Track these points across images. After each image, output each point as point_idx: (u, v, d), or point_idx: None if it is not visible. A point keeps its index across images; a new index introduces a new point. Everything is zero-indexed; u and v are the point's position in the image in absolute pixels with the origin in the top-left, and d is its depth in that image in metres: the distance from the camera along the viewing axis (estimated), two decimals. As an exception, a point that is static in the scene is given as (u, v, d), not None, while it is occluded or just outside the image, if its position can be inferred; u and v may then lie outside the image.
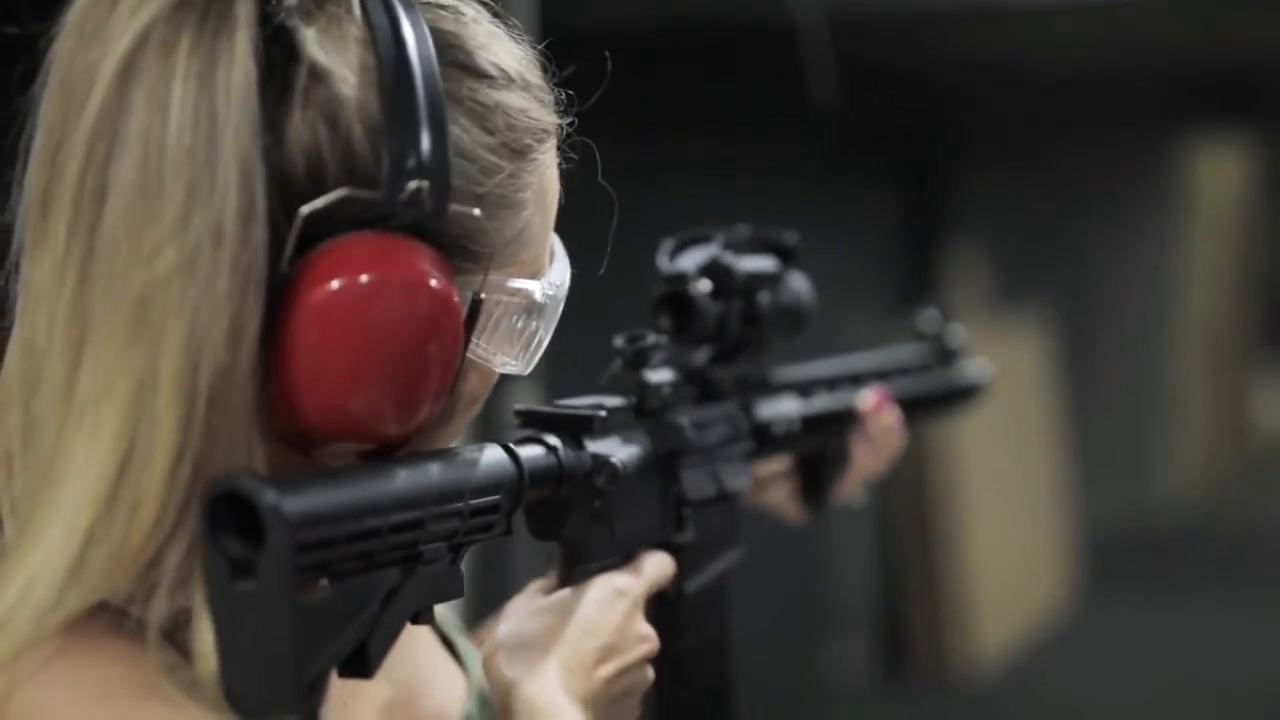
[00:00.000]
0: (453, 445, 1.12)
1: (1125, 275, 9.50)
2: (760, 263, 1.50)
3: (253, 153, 0.96)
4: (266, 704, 0.94)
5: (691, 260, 1.45)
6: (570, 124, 1.17)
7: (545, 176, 1.13)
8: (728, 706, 1.42)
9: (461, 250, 1.06)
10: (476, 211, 1.04)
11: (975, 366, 1.96)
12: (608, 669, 1.21)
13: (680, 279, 1.43)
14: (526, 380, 2.80)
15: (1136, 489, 9.53)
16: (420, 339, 1.00)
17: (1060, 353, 8.04)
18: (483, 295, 1.07)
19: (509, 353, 1.12)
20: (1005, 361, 7.27)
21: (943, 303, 1.97)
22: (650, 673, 1.25)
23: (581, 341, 1.61)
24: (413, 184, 1.00)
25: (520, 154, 1.09)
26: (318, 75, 1.00)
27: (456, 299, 1.03)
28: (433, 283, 1.01)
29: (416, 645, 1.27)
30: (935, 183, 7.31)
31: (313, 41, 1.00)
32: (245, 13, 0.98)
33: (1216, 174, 10.81)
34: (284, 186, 0.99)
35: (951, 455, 6.56)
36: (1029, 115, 7.89)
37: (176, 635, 1.00)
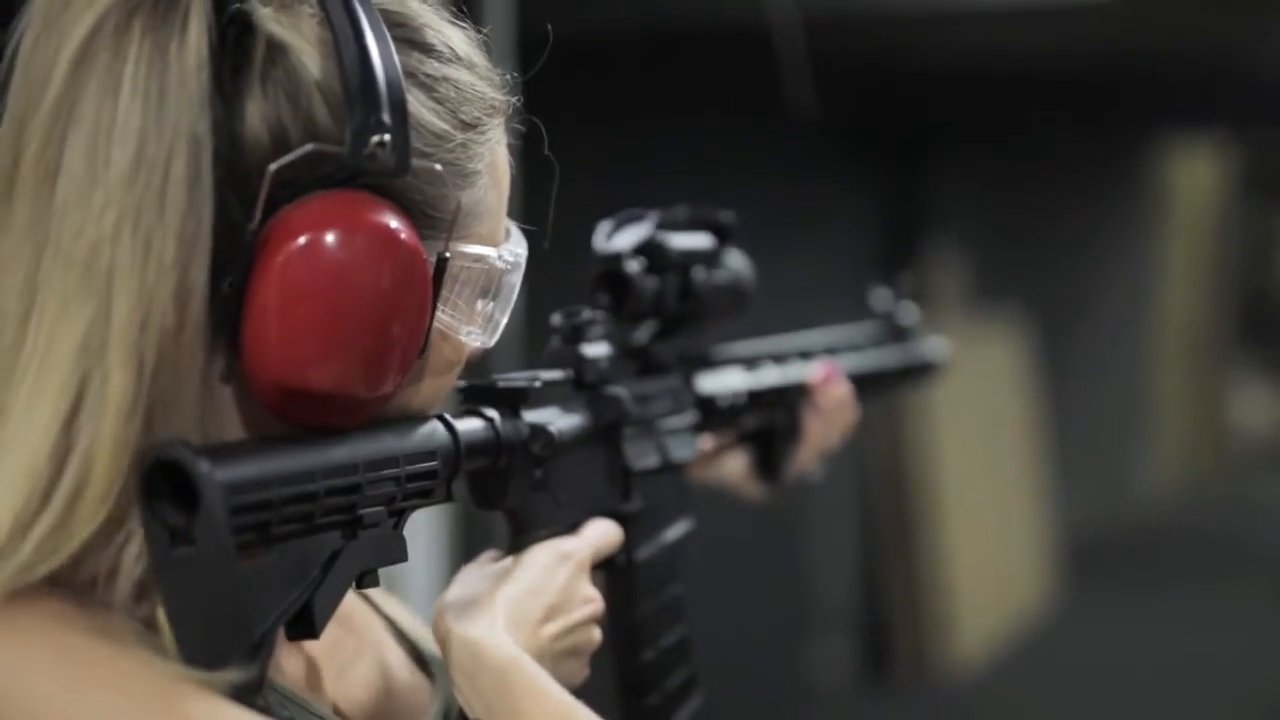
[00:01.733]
0: None
1: (1101, 275, 9.52)
2: (695, 240, 1.54)
3: (202, 127, 1.00)
4: (215, 665, 0.96)
5: (627, 239, 1.49)
6: (518, 101, 1.21)
7: (496, 151, 1.17)
8: (690, 668, 1.45)
9: (424, 213, 1.10)
10: (438, 167, 1.09)
11: (931, 344, 1.98)
12: (553, 627, 1.24)
13: (615, 258, 1.46)
14: (512, 362, 2.82)
15: (1115, 488, 9.55)
16: (390, 291, 1.04)
17: (1038, 353, 8.06)
18: (447, 254, 1.10)
19: (472, 323, 1.16)
20: (983, 362, 7.29)
21: (896, 282, 1.99)
22: (597, 633, 1.29)
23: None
24: (375, 138, 1.03)
25: (470, 125, 1.13)
26: (275, 49, 1.04)
27: (422, 249, 1.07)
28: (401, 235, 1.05)
29: (375, 632, 1.31)
30: (911, 184, 7.33)
31: (269, 19, 1.04)
32: None
33: (1192, 174, 10.85)
34: (248, 156, 1.03)
35: (931, 454, 6.58)
36: (1004, 116, 7.91)
37: (136, 611, 1.02)
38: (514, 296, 1.19)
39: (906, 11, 4.94)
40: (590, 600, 1.28)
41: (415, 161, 1.06)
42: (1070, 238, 9.01)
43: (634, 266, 1.46)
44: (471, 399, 1.25)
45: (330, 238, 1.02)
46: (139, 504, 0.97)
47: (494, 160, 1.17)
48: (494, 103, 1.17)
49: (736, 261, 1.58)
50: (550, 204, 1.28)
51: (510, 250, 1.19)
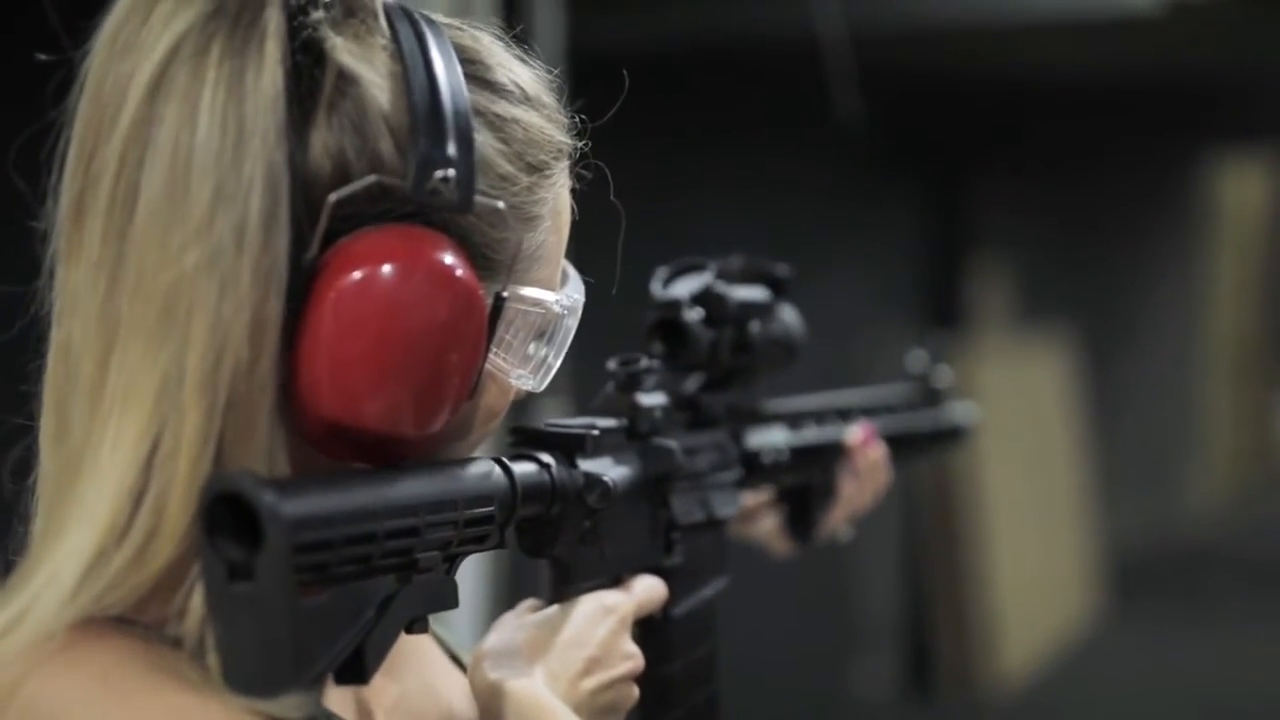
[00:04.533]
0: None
1: (1149, 292, 9.49)
2: (752, 292, 1.52)
3: (279, 158, 0.99)
4: (264, 705, 0.95)
5: (685, 288, 1.46)
6: (585, 145, 1.19)
7: (560, 196, 1.15)
8: None
9: (481, 257, 1.08)
10: (501, 204, 1.06)
11: (962, 408, 1.97)
12: (592, 681, 1.21)
13: (674, 305, 1.44)
14: (556, 400, 2.82)
15: (1161, 505, 9.51)
16: (445, 328, 1.02)
17: (1085, 370, 8.03)
18: (505, 295, 1.09)
19: (524, 366, 1.14)
20: (1029, 379, 7.27)
21: (932, 343, 1.99)
22: (635, 691, 1.26)
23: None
24: (439, 173, 1.02)
25: (536, 169, 1.11)
26: (346, 81, 1.02)
27: (480, 289, 1.05)
28: (458, 272, 1.03)
29: (429, 662, 1.28)
30: (959, 200, 7.32)
31: (341, 49, 1.03)
32: (275, 22, 1.01)
33: (1240, 191, 10.80)
34: (310, 188, 1.01)
35: (977, 471, 6.56)
36: (1053, 132, 7.89)
37: (204, 653, 1.00)
38: (568, 341, 1.17)
39: (954, 27, 4.93)
40: (631, 657, 1.25)
41: (479, 199, 1.05)
42: (1118, 255, 8.98)
43: (692, 316, 1.44)
44: (524, 443, 1.22)
45: (386, 271, 1.00)
46: (199, 535, 0.95)
47: (557, 205, 1.14)
48: (560, 146, 1.14)
49: (789, 315, 1.56)
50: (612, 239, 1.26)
51: (568, 295, 1.16)
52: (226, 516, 0.94)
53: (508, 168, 1.09)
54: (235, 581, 0.93)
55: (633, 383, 1.34)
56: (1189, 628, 7.57)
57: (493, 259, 1.08)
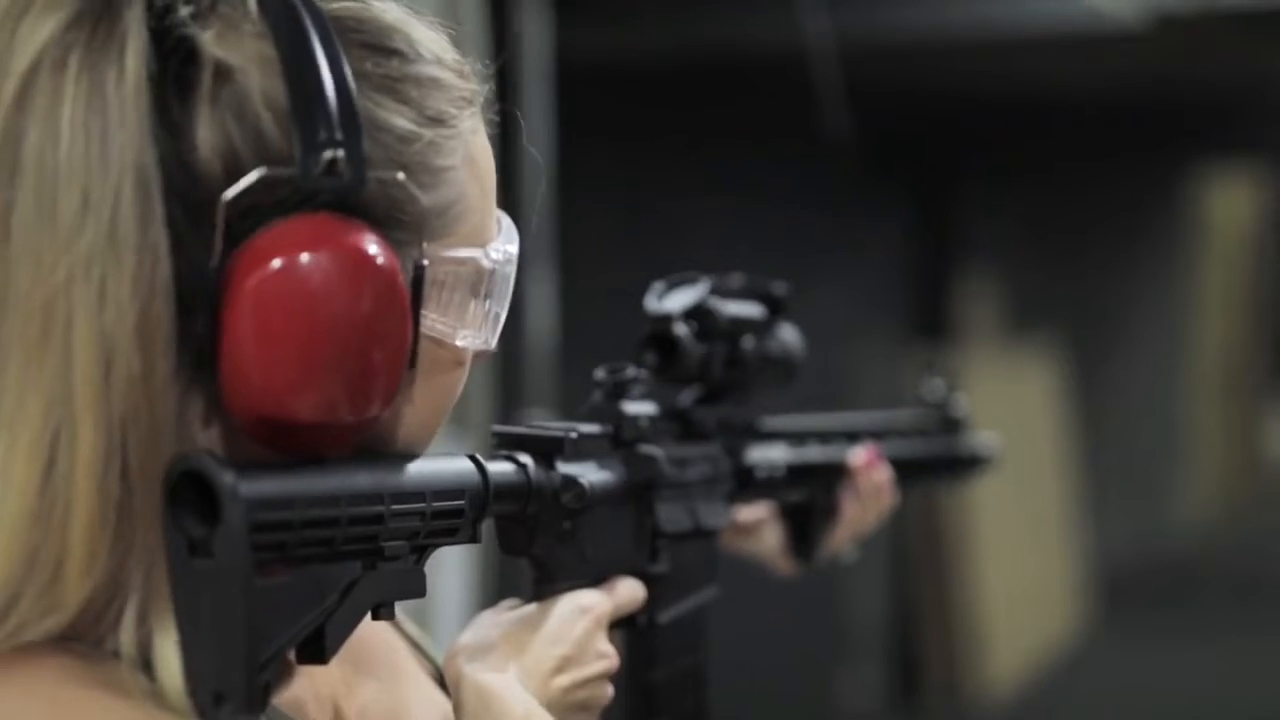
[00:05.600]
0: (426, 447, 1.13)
1: (1137, 305, 9.51)
2: (746, 309, 1.54)
3: (148, 159, 0.97)
4: (220, 681, 0.95)
5: (678, 302, 1.48)
6: (490, 88, 1.16)
7: (473, 144, 1.13)
8: None
9: (394, 221, 1.06)
10: (400, 175, 1.05)
11: (982, 439, 1.98)
12: (565, 679, 1.22)
13: (665, 319, 1.45)
14: (551, 409, 2.83)
15: (1148, 517, 9.53)
16: (365, 308, 1.01)
17: (1072, 382, 8.05)
18: (425, 261, 1.07)
19: (469, 325, 1.12)
20: (1017, 390, 7.28)
21: (948, 372, 2.00)
22: (609, 690, 1.27)
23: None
24: (327, 154, 1.00)
25: (438, 121, 1.09)
26: (220, 73, 1.01)
27: (396, 265, 1.03)
28: (368, 250, 1.01)
29: (402, 662, 1.29)
30: (948, 213, 7.33)
31: (210, 42, 1.01)
32: (134, 26, 0.99)
33: (1228, 204, 10.83)
34: (202, 187, 1.00)
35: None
36: (1041, 145, 7.91)
37: (143, 665, 1.00)
38: (508, 293, 1.16)
39: (943, 41, 4.94)
40: (605, 656, 1.26)
41: (374, 171, 1.03)
42: (1106, 267, 9.00)
43: (683, 329, 1.45)
44: (506, 444, 1.23)
45: (294, 265, 0.99)
46: (163, 513, 0.96)
47: (470, 153, 1.12)
48: (464, 93, 1.12)
49: (787, 334, 1.57)
50: (535, 203, 1.26)
51: (498, 248, 1.14)
52: (191, 495, 0.96)
53: (406, 126, 1.07)
54: (195, 557, 0.95)
55: (619, 391, 1.35)
56: (1176, 640, 7.59)
57: (404, 221, 1.06)
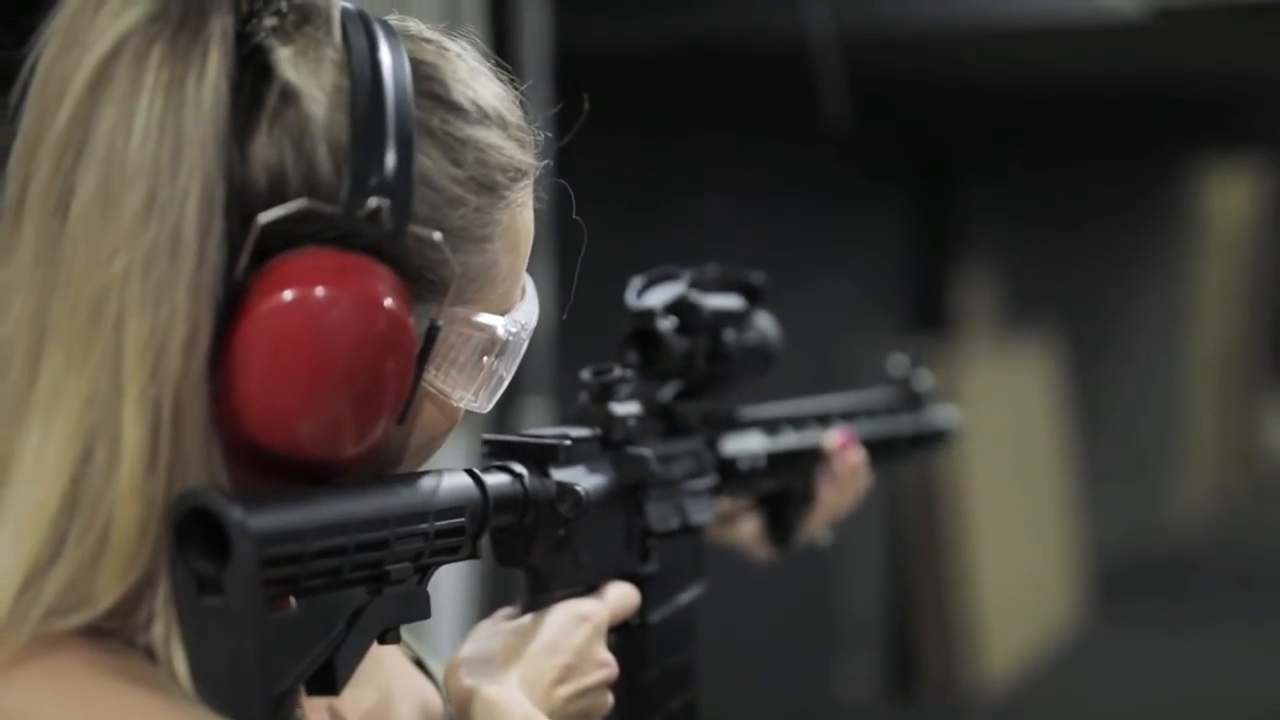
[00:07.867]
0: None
1: (1134, 298, 9.50)
2: (726, 301, 1.53)
3: (215, 168, 0.97)
4: (234, 717, 0.95)
5: (659, 297, 1.47)
6: (548, 163, 1.17)
7: (517, 216, 1.13)
8: None
9: (422, 280, 1.05)
10: (437, 236, 1.04)
11: (944, 412, 1.97)
12: (566, 689, 1.22)
13: (647, 315, 1.45)
14: (541, 411, 2.82)
15: (1146, 510, 9.52)
16: (368, 354, 1.00)
17: (1069, 375, 8.04)
18: (440, 323, 1.06)
19: (468, 388, 1.12)
20: (1014, 383, 7.28)
21: (912, 347, 2.00)
22: (609, 698, 1.27)
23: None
24: (373, 201, 1.00)
25: (489, 190, 1.09)
26: (288, 95, 1.00)
27: (410, 321, 1.02)
28: (386, 301, 1.01)
29: (393, 670, 1.28)
30: (946, 204, 7.32)
31: (286, 62, 1.01)
32: (221, 29, 0.99)
33: (1226, 197, 10.81)
34: (245, 201, 0.99)
35: (961, 474, 6.57)
36: (1039, 137, 7.90)
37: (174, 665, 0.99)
38: (517, 362, 1.16)
39: (941, 32, 4.94)
40: (605, 664, 1.26)
41: (415, 228, 1.02)
42: (1103, 260, 9.00)
43: (665, 325, 1.45)
44: (498, 453, 1.23)
45: (308, 298, 0.98)
46: (169, 550, 0.95)
47: (513, 224, 1.12)
48: (521, 166, 1.12)
49: (765, 323, 1.57)
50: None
51: (516, 321, 1.14)
52: (196, 531, 0.94)
53: (456, 190, 1.07)
54: (205, 595, 0.94)
55: (606, 392, 1.34)
56: (1173, 632, 7.58)
57: (432, 281, 1.06)
